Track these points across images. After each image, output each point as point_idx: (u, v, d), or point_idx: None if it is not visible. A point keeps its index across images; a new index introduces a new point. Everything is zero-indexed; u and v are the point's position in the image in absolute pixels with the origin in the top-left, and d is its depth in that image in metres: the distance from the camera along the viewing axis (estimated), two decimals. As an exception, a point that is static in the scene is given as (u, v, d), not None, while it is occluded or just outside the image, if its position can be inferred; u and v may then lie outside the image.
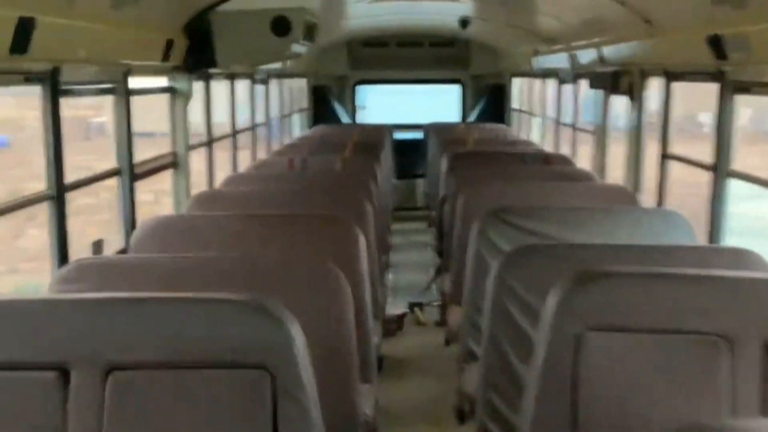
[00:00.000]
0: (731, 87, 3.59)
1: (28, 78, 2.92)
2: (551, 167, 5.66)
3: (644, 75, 4.87)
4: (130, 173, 3.87)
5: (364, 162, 5.65)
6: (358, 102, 11.98)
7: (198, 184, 5.08)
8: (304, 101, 10.72)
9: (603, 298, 2.05)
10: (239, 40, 4.45)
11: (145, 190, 4.79)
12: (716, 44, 3.44)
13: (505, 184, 4.64)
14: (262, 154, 7.34)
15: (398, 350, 5.42)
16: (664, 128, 4.57)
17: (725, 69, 3.63)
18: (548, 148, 7.94)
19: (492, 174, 5.21)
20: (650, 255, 2.87)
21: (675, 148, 4.62)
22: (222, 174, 5.34)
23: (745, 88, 3.50)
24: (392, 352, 5.29)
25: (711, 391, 1.98)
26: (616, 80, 5.13)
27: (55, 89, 3.03)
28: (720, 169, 3.71)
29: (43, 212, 3.11)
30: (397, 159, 9.92)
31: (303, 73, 10.27)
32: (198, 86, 5.21)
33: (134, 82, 4.18)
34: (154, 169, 4.28)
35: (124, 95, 3.84)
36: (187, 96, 4.56)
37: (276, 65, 7.79)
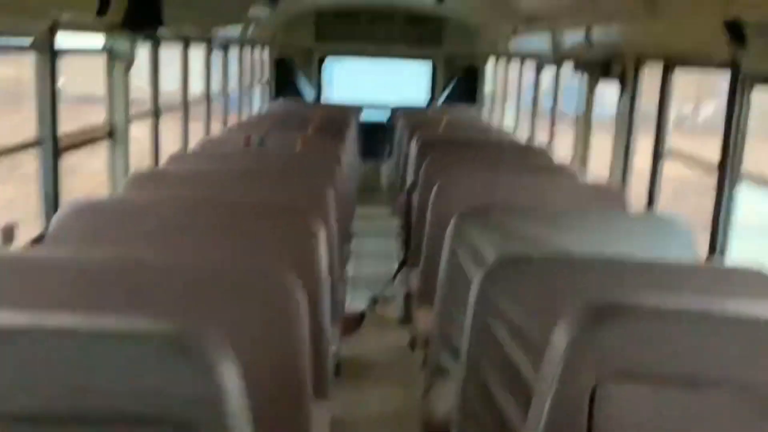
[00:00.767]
0: (749, 78, 3.16)
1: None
2: (529, 159, 5.23)
3: (639, 60, 4.43)
4: (54, 145, 3.31)
5: (329, 143, 5.15)
6: (324, 78, 11.42)
7: (142, 160, 4.55)
8: (266, 74, 10.12)
9: (627, 339, 1.60)
10: (190, -2, 3.90)
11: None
12: (735, 29, 3.01)
13: (480, 177, 4.20)
14: (217, 129, 6.78)
15: (358, 352, 4.95)
16: (660, 122, 4.14)
17: (740, 58, 3.21)
18: (522, 134, 7.51)
19: (466, 164, 4.76)
20: (653, 273, 2.46)
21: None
22: (171, 149, 4.79)
23: (766, 79, 3.08)
24: (351, 354, 4.82)
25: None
26: (606, 64, 4.69)
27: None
28: (730, 171, 3.29)
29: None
30: (363, 139, 9.43)
31: (265, 43, 9.67)
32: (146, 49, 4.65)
33: (67, 40, 3.62)
34: (84, 141, 3.71)
35: (49, 54, 3.27)
36: (127, 59, 3.99)
37: (235, 32, 7.21)
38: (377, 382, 4.56)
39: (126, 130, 4.05)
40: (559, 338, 1.62)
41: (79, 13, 3.41)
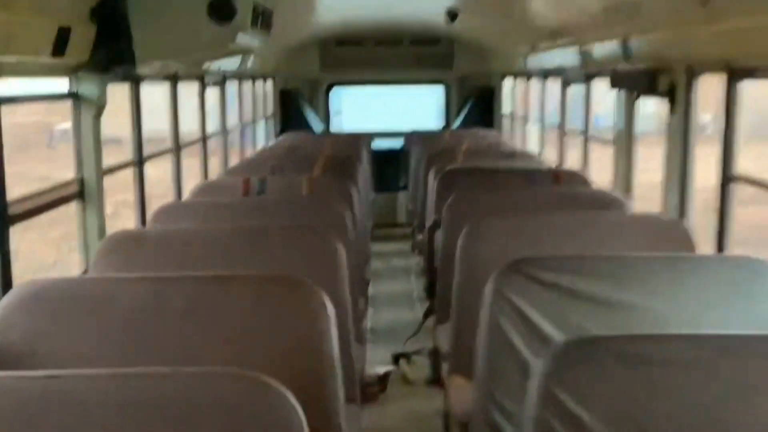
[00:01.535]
0: None
1: None
2: (565, 188, 4.60)
3: (692, 72, 3.80)
4: (1, 213, 2.72)
5: (338, 184, 4.54)
6: (332, 107, 10.88)
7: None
8: (270, 107, 9.58)
9: None
10: (166, 27, 3.33)
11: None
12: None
13: (515, 216, 3.59)
14: (216, 171, 6.21)
15: (383, 424, 4.28)
16: (726, 140, 3.50)
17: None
18: (549, 158, 6.88)
19: (495, 199, 4.15)
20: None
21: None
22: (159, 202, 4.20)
23: None
24: (375, 426, 4.16)
25: None
26: (652, 79, 4.06)
27: None
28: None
29: None
30: (376, 170, 8.84)
31: (268, 75, 9.14)
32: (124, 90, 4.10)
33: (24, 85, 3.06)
34: (44, 205, 3.12)
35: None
36: (97, 104, 3.41)
37: (233, 65, 6.66)
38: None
39: (99, 188, 3.46)
40: None
41: (30, 55, 2.84)
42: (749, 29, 3.03)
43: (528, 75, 8.15)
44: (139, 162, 4.24)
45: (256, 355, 2.19)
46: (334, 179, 4.71)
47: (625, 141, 4.85)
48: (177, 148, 5.07)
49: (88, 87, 3.38)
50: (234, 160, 6.76)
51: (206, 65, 5.44)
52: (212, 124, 6.61)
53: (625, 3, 4.16)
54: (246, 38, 3.62)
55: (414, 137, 8.24)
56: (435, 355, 4.77)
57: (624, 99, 4.89)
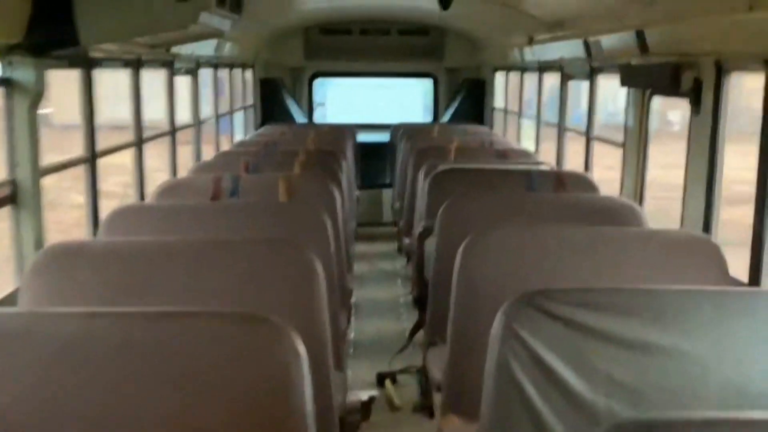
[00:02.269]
0: None
1: None
2: (570, 194, 4.14)
3: (723, 67, 3.34)
4: None
5: (320, 186, 4.05)
6: (315, 98, 10.39)
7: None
8: (250, 97, 9.05)
9: None
10: (115, 5, 2.82)
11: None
12: None
13: (519, 228, 3.13)
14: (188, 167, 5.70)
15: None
16: (765, 152, 3.04)
17: None
18: (544, 157, 6.41)
19: (494, 206, 3.70)
20: None
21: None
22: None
23: None
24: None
25: None
26: (673, 74, 3.60)
27: None
28: None
29: None
30: (361, 165, 8.36)
31: (248, 63, 8.61)
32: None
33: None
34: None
35: None
36: (34, 91, 2.89)
37: (208, 51, 6.15)
38: None
39: (36, 191, 2.94)
40: None
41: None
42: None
43: (523, 69, 7.68)
44: (92, 159, 3.72)
45: (209, 411, 1.82)
46: (316, 179, 4.21)
47: (636, 143, 4.39)
48: (139, 141, 4.55)
49: (22, 72, 2.86)
50: (209, 155, 6.25)
51: (175, 50, 4.93)
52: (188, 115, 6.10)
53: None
54: (212, 19, 3.13)
55: (401, 131, 7.75)
56: (424, 376, 4.32)
57: (636, 97, 4.43)
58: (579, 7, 4.82)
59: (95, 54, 3.68)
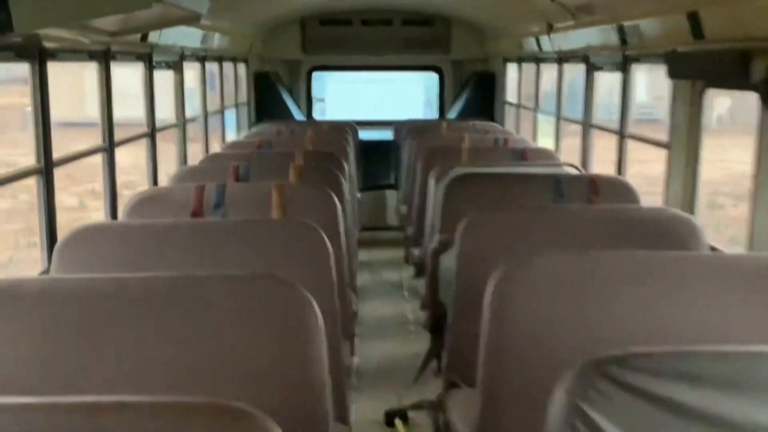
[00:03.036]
0: None
1: None
2: (611, 206, 3.55)
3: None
4: None
5: (319, 198, 3.45)
6: (314, 94, 9.80)
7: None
8: (244, 93, 8.44)
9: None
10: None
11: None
12: None
13: (564, 255, 2.54)
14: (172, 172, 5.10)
15: None
16: None
17: None
18: (565, 157, 5.80)
19: (521, 222, 3.13)
20: None
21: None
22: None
23: None
24: None
25: None
26: (739, 63, 3.00)
27: None
28: None
29: None
30: (363, 165, 7.77)
31: (241, 56, 8.00)
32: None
33: None
34: None
35: None
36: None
37: (193, 42, 5.54)
38: None
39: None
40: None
41: None
42: None
43: (538, 59, 7.07)
44: (47, 168, 3.12)
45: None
46: (314, 189, 3.61)
47: (685, 144, 3.79)
48: (110, 145, 3.95)
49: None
50: (197, 157, 5.64)
51: (154, 40, 4.33)
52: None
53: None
54: (190, 2, 2.53)
55: (405, 128, 7.15)
56: (440, 412, 3.74)
57: (682, 90, 3.82)
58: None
59: (50, 44, 3.08)
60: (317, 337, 2.06)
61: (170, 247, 2.75)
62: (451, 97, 9.72)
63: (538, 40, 6.48)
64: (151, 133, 4.71)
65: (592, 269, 2.40)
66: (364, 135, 8.12)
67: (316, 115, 9.74)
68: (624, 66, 4.64)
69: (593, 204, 3.82)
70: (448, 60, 9.56)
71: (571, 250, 2.86)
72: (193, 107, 6.14)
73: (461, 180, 4.08)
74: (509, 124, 8.41)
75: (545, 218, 3.17)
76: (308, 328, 2.05)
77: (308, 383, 2.02)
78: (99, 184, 4.14)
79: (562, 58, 6.26)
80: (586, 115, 5.54)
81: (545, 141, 6.88)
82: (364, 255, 7.10)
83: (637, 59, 4.52)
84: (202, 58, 6.15)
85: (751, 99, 3.07)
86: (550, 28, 5.98)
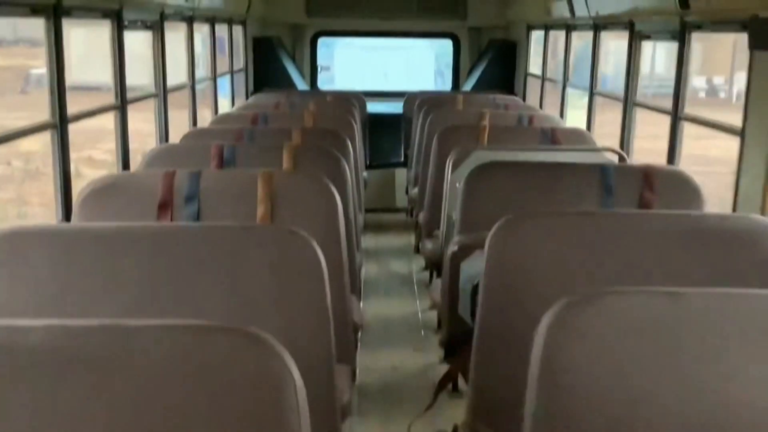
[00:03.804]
0: None
1: None
2: (677, 213, 2.81)
3: None
4: None
5: (317, 190, 2.77)
6: (318, 61, 9.09)
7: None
8: (240, 59, 7.71)
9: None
10: None
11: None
12: None
13: (640, 292, 1.83)
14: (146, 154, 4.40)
15: None
16: None
17: None
18: (603, 141, 5.06)
19: (567, 228, 2.44)
20: None
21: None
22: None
23: None
24: None
25: None
26: None
27: None
28: None
29: None
30: (369, 140, 7.08)
31: (237, 18, 7.26)
32: None
33: None
34: None
35: None
36: None
37: (179, 0, 4.82)
38: None
39: None
40: None
41: None
42: None
43: (569, 26, 6.31)
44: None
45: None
46: (311, 180, 2.87)
47: (766, 134, 3.07)
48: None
49: None
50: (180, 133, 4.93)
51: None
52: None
53: None
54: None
55: (417, 101, 6.44)
56: None
57: (763, 64, 3.09)
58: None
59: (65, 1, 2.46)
60: (297, 403, 1.45)
61: (123, 257, 2.13)
62: (467, 67, 9.00)
63: (571, 4, 5.73)
64: (121, 104, 3.99)
65: (680, 316, 1.71)
66: (372, 108, 7.41)
67: (321, 85, 9.03)
68: (682, 34, 3.90)
69: (648, 202, 3.13)
70: (464, 26, 8.83)
71: (647, 280, 2.17)
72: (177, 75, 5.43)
73: (484, 170, 3.38)
74: (531, 98, 7.67)
75: (600, 225, 2.46)
76: (284, 395, 1.43)
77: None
78: (96, 151, 4.00)
79: (599, 25, 5.50)
80: (627, 92, 4.79)
81: (576, 119, 6.16)
82: (369, 241, 6.43)
83: (699, 26, 3.78)
84: (189, 19, 5.42)
85: None
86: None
